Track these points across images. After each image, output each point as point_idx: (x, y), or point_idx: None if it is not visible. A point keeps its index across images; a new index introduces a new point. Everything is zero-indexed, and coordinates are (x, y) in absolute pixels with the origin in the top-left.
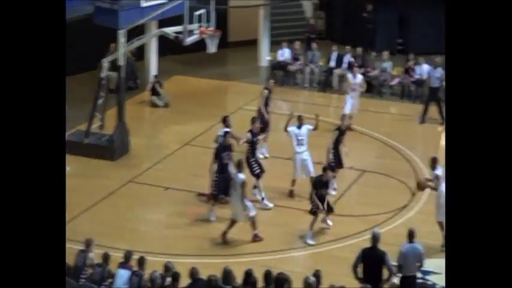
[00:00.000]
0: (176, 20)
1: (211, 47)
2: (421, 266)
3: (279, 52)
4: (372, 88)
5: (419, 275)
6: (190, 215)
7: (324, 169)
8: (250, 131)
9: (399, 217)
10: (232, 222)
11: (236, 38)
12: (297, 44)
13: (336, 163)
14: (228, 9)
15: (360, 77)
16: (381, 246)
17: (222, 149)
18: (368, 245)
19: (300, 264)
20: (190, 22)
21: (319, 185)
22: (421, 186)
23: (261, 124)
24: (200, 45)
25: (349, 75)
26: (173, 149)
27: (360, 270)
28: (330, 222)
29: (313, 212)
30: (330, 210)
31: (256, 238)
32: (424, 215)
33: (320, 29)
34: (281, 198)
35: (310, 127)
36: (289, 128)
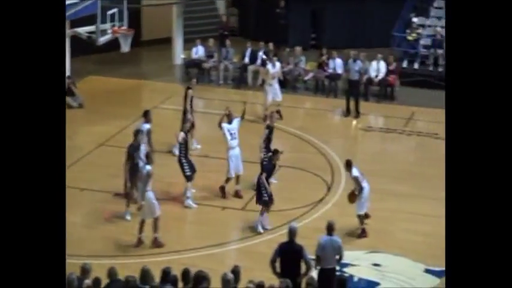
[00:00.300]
0: (89, 20)
1: (125, 46)
2: (340, 258)
3: (193, 50)
4: (286, 83)
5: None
6: (107, 215)
7: (274, 152)
8: (182, 131)
9: (316, 211)
10: (142, 222)
11: (149, 36)
12: (211, 41)
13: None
14: (141, 8)
15: (278, 65)
16: (298, 241)
17: (134, 149)
18: (285, 239)
19: (218, 261)
20: (103, 22)
21: (271, 170)
22: (352, 199)
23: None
24: (114, 44)
25: (269, 65)
26: (88, 150)
27: (277, 265)
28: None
29: (265, 202)
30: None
31: (156, 243)
32: (340, 208)
33: (233, 25)
34: (196, 196)
35: (238, 119)
36: (222, 124)
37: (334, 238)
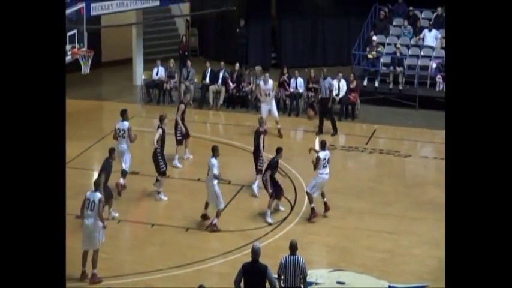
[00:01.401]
0: None
1: (85, 68)
2: (304, 278)
3: (154, 70)
4: (248, 103)
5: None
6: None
7: (277, 151)
8: (161, 127)
9: (279, 230)
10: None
11: (110, 57)
12: (171, 62)
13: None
14: (101, 29)
15: (271, 82)
16: (262, 260)
17: (110, 167)
18: (249, 259)
19: (181, 283)
20: None
21: (275, 167)
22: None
23: (179, 135)
24: (73, 66)
25: (261, 82)
26: None
27: (242, 285)
28: (282, 208)
29: (273, 195)
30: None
31: (94, 278)
32: (304, 227)
33: (193, 45)
34: (160, 216)
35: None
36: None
37: (297, 257)
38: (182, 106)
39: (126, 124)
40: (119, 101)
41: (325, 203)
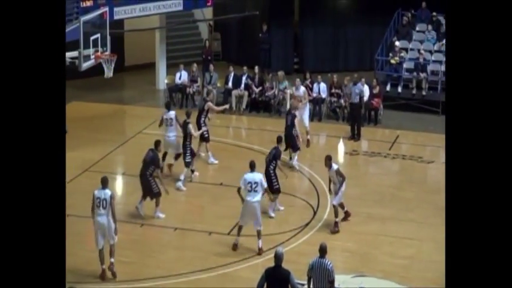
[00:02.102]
0: (71, 45)
1: (108, 72)
2: (331, 282)
3: (177, 75)
4: (270, 107)
5: None
6: (90, 243)
7: (278, 140)
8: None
9: (302, 235)
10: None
11: (133, 61)
12: (194, 66)
13: (293, 145)
14: (124, 33)
15: (302, 88)
16: (285, 265)
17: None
18: (272, 264)
19: (204, 287)
20: (86, 47)
21: (280, 155)
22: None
23: (206, 133)
24: (97, 70)
25: (292, 88)
26: (72, 176)
27: None
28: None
29: (278, 190)
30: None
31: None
32: (327, 232)
33: (216, 50)
34: (182, 220)
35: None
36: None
37: (325, 261)
38: (210, 104)
39: (173, 113)
40: (142, 105)
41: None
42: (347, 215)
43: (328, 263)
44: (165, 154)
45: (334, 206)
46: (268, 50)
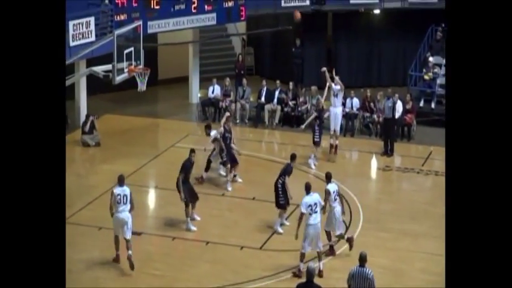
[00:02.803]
0: (105, 59)
1: (142, 85)
2: None
3: (210, 89)
4: (303, 122)
5: None
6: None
7: (292, 157)
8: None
9: (334, 249)
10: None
11: (166, 75)
12: (227, 80)
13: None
14: (158, 47)
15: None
16: (316, 281)
17: (190, 166)
18: (303, 279)
19: None
20: (120, 60)
21: (290, 173)
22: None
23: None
24: (130, 83)
25: (332, 84)
26: (105, 189)
27: None
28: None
29: (283, 205)
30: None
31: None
32: (359, 247)
33: (249, 64)
34: (214, 234)
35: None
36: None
37: (366, 269)
38: (228, 114)
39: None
40: (175, 119)
41: (331, 246)
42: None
43: (369, 271)
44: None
45: (336, 236)
46: (301, 64)
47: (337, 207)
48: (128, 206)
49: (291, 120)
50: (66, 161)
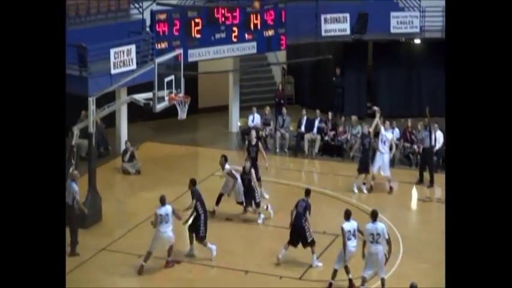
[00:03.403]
0: (146, 87)
1: (182, 113)
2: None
3: (250, 117)
4: (343, 152)
5: None
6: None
7: (307, 193)
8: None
9: (374, 280)
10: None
11: (206, 104)
12: (267, 109)
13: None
14: (198, 75)
15: (394, 132)
16: None
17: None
18: None
19: None
20: (160, 88)
21: (309, 208)
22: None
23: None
24: (170, 111)
25: (382, 129)
26: (146, 216)
27: None
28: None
29: (313, 241)
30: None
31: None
32: (398, 278)
33: (289, 93)
34: (253, 264)
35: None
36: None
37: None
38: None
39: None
40: (215, 147)
41: (350, 280)
42: (351, 286)
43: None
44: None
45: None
46: (342, 94)
47: (352, 249)
48: (170, 226)
49: (330, 150)
50: (107, 189)
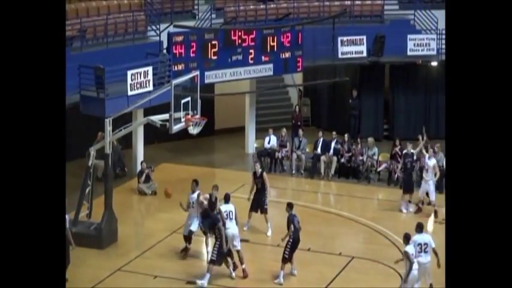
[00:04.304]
0: (162, 108)
1: (194, 129)
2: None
3: (266, 139)
4: (359, 174)
5: None
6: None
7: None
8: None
9: None
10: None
11: (222, 125)
12: (283, 131)
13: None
14: (214, 97)
15: (433, 160)
16: None
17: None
18: None
19: None
20: (177, 110)
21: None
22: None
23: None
24: (187, 132)
25: (426, 156)
26: (161, 237)
27: None
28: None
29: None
30: None
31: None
32: None
33: (306, 115)
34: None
35: None
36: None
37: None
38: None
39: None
40: (231, 169)
41: None
42: None
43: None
44: None
45: None
46: (358, 116)
47: (416, 267)
48: (234, 222)
49: (346, 172)
50: (123, 210)
